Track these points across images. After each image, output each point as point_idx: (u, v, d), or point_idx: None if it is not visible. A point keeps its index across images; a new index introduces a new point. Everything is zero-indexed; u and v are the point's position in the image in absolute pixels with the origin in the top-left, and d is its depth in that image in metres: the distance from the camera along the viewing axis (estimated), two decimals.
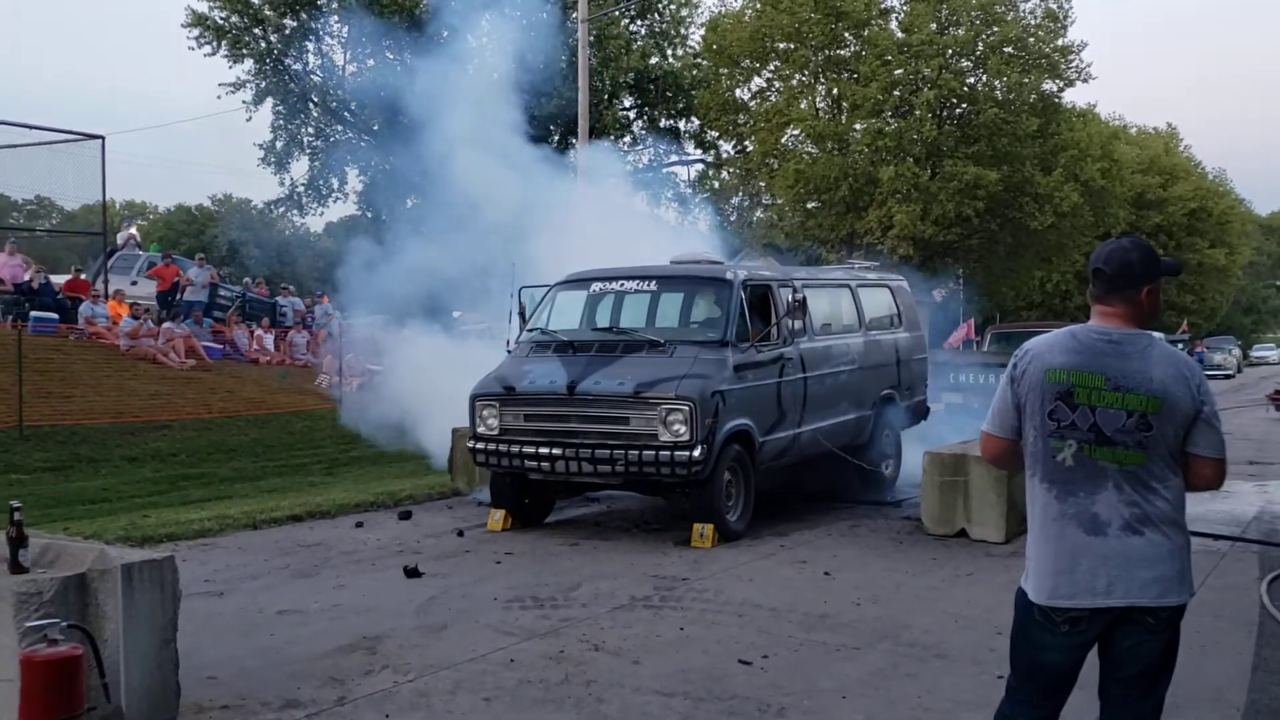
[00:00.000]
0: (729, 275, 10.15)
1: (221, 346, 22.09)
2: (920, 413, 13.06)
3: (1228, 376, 48.25)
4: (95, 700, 4.50)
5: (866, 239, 31.47)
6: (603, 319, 10.54)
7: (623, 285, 10.49)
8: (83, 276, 23.56)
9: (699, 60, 35.43)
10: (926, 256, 33.00)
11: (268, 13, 30.82)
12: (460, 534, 9.87)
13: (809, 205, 31.98)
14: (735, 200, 37.60)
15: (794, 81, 34.26)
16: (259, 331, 23.43)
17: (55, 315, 20.29)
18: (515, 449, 9.61)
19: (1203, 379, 3.43)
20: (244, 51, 31.41)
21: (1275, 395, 24.86)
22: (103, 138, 22.11)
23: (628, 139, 34.67)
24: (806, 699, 5.46)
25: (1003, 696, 3.70)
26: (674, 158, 36.03)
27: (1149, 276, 3.47)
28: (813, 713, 5.29)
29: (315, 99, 31.65)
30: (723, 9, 36.43)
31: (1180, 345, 39.19)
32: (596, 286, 10.65)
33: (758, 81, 35.47)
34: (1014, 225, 33.03)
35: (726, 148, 37.02)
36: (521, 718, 5.24)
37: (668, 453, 9.00)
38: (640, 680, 5.73)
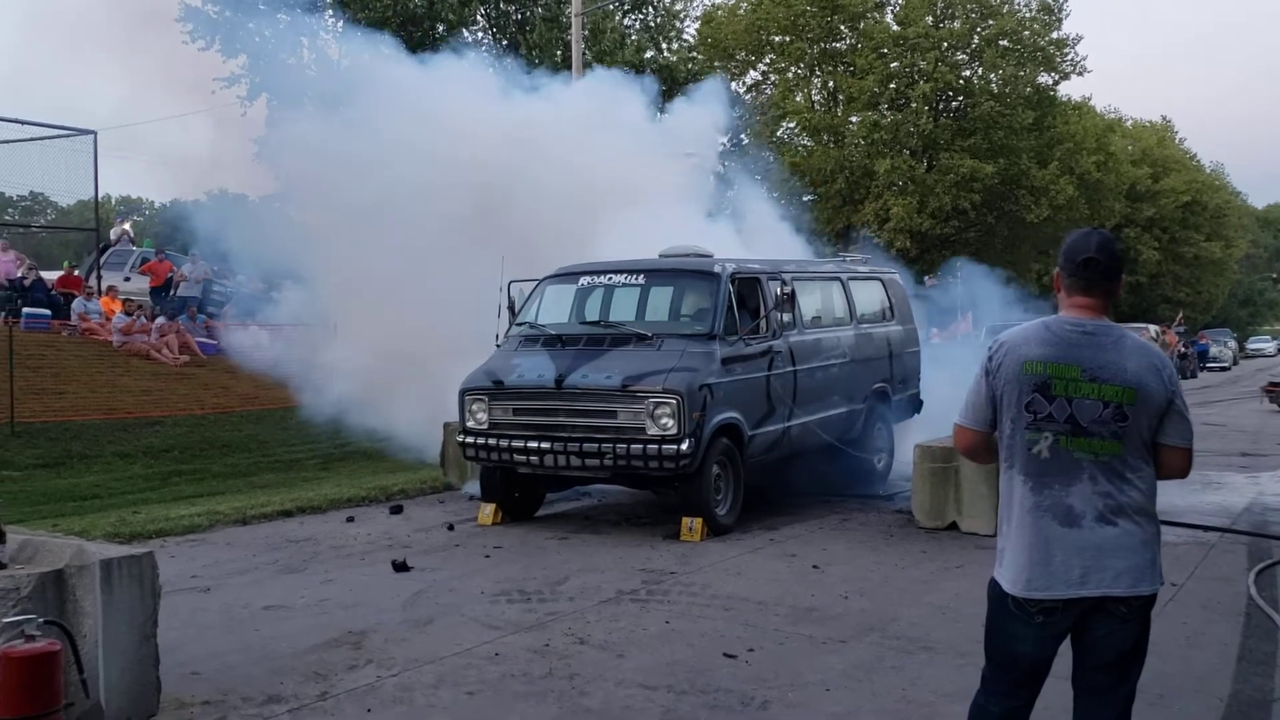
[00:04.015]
0: (716, 268, 10.11)
1: (216, 342, 22.00)
2: (913, 406, 13.03)
3: (1224, 369, 48.27)
4: (74, 696, 4.49)
5: (863, 232, 31.49)
6: (592, 312, 10.51)
7: (611, 279, 10.47)
8: (76, 272, 23.51)
9: (694, 54, 35.41)
10: (924, 249, 32.98)
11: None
12: (451, 528, 9.87)
13: (804, 198, 32.01)
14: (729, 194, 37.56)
15: (789, 74, 34.31)
16: (254, 326, 23.33)
17: (48, 311, 20.23)
18: (504, 443, 9.60)
19: (1173, 369, 3.44)
20: (238, 46, 31.28)
21: (1270, 387, 24.84)
22: (94, 133, 21.98)
23: None
24: (790, 692, 5.45)
25: (978, 688, 3.71)
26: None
27: (1123, 267, 3.52)
28: (795, 705, 5.28)
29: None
30: (715, 3, 36.41)
31: (1178, 337, 39.20)
32: (585, 280, 10.63)
33: (753, 75, 35.48)
34: (1010, 218, 33.11)
35: (721, 141, 36.98)
36: (503, 711, 5.23)
37: (655, 446, 8.99)
38: (624, 673, 5.72)
